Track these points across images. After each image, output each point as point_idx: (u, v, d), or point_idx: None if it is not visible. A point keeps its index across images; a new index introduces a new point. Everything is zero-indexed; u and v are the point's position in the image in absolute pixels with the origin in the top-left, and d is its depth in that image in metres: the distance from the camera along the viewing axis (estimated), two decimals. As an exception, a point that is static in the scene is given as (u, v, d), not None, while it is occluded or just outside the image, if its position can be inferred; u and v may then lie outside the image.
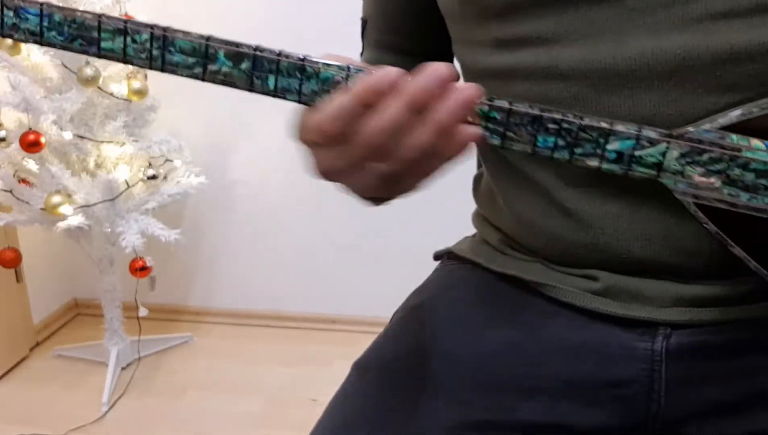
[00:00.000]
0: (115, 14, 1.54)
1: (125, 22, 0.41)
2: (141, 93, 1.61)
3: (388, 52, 0.66)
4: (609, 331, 0.54)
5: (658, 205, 0.50)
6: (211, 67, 0.41)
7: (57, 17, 0.41)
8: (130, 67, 1.60)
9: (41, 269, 2.01)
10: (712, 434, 0.54)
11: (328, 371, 1.84)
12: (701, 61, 0.45)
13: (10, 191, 1.57)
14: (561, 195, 0.54)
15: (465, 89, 0.39)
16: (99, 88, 1.55)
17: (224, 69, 0.41)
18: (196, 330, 2.06)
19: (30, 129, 1.50)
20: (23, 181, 1.60)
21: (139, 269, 1.66)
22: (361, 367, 0.61)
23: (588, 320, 0.55)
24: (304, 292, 2.07)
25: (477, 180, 0.70)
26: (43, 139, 1.51)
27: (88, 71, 1.49)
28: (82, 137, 1.58)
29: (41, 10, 0.41)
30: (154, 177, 1.66)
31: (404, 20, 0.65)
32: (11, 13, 0.41)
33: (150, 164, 1.68)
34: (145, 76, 1.66)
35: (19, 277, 1.89)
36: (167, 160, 1.72)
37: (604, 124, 0.41)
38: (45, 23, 0.41)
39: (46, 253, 2.03)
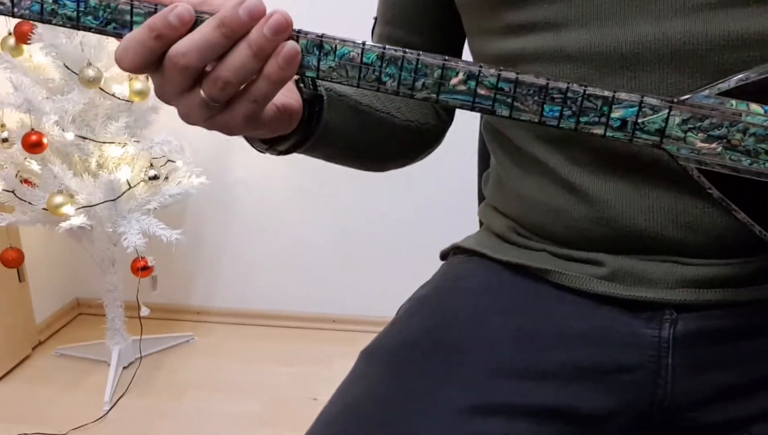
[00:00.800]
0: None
1: (155, 5, 0.42)
2: (142, 94, 1.62)
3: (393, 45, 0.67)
4: (616, 317, 0.55)
5: (662, 179, 0.51)
6: None
7: (92, 2, 0.42)
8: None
9: (43, 269, 2.02)
10: (719, 418, 0.54)
11: (328, 371, 1.85)
12: (700, 46, 0.48)
13: (13, 191, 1.58)
14: (566, 172, 0.55)
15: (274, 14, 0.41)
16: (101, 89, 1.56)
17: None
18: (198, 329, 2.07)
19: (32, 130, 1.51)
20: (26, 181, 1.61)
21: (141, 269, 1.66)
22: (368, 354, 0.61)
23: (595, 306, 0.56)
24: (305, 291, 2.08)
25: (486, 176, 0.72)
26: (45, 140, 1.52)
27: (90, 72, 1.50)
28: (84, 138, 1.59)
29: None
30: (155, 177, 1.67)
31: (412, 14, 0.67)
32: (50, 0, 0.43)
33: (151, 165, 1.68)
34: (147, 77, 1.67)
35: (21, 277, 1.90)
36: (168, 160, 1.73)
37: (607, 93, 0.43)
38: (81, 8, 0.43)
39: (49, 253, 2.04)
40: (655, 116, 0.43)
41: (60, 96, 1.55)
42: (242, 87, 0.43)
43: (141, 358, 1.88)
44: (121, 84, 1.62)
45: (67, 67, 1.53)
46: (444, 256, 0.73)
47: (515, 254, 0.62)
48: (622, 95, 0.43)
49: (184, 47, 0.41)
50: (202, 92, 0.42)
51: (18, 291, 1.90)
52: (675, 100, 0.44)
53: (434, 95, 0.43)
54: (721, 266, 0.53)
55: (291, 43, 0.42)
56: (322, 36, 0.42)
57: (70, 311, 2.16)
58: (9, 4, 0.43)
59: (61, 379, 1.82)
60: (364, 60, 0.43)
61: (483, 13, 0.58)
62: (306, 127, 0.53)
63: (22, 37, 1.50)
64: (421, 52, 0.43)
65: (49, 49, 1.50)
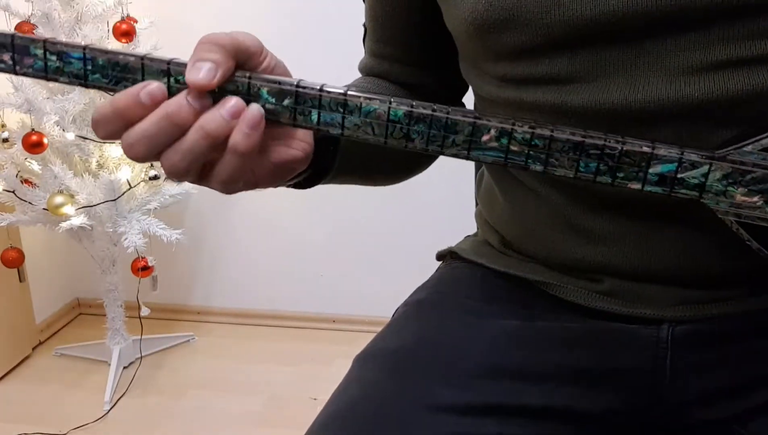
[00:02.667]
0: (117, 16, 1.56)
1: (168, 63, 0.41)
2: (143, 94, 1.62)
3: (384, 60, 0.66)
4: (613, 322, 0.55)
5: (670, 224, 0.50)
6: (254, 104, 0.41)
7: (100, 61, 0.41)
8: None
9: (44, 269, 2.02)
10: (715, 416, 0.55)
11: (328, 370, 1.85)
12: (720, 103, 0.46)
13: (13, 191, 1.58)
14: (569, 211, 0.54)
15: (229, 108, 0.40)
16: (101, 89, 1.56)
17: (267, 106, 0.41)
18: (198, 329, 2.07)
19: (33, 130, 1.51)
20: (26, 181, 1.61)
21: (141, 269, 1.66)
22: (362, 359, 0.61)
23: (593, 314, 0.56)
24: (305, 291, 2.08)
25: (480, 177, 0.71)
26: (45, 140, 1.52)
27: (91, 72, 1.50)
28: (84, 138, 1.59)
29: (84, 54, 0.41)
30: (155, 177, 1.67)
31: (399, 32, 0.64)
32: (54, 57, 0.42)
33: (152, 165, 1.68)
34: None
35: (21, 277, 1.90)
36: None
37: (645, 149, 0.41)
38: (89, 67, 0.41)
39: (49, 253, 2.04)
40: (695, 171, 0.42)
41: (60, 96, 1.55)
42: (207, 162, 0.41)
43: (141, 358, 1.88)
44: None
45: (67, 67, 1.53)
46: (441, 257, 0.73)
47: (512, 265, 0.61)
48: (661, 151, 0.41)
49: (132, 138, 0.40)
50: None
51: (18, 291, 1.90)
52: (715, 155, 0.42)
53: (465, 152, 0.42)
54: (724, 290, 0.53)
55: (254, 106, 0.40)
56: (346, 93, 0.41)
57: (71, 311, 2.17)
58: (11, 62, 0.42)
59: (62, 379, 1.82)
60: (391, 117, 0.41)
61: (477, 61, 0.56)
62: (320, 163, 0.51)
63: (22, 37, 1.50)
64: (450, 109, 0.41)
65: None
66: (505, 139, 0.41)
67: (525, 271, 0.60)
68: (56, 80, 0.42)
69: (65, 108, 1.53)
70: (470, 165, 0.87)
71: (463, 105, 0.71)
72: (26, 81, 1.50)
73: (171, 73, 0.41)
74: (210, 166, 0.41)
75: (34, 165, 1.61)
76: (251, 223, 2.04)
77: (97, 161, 1.63)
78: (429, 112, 0.41)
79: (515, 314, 0.59)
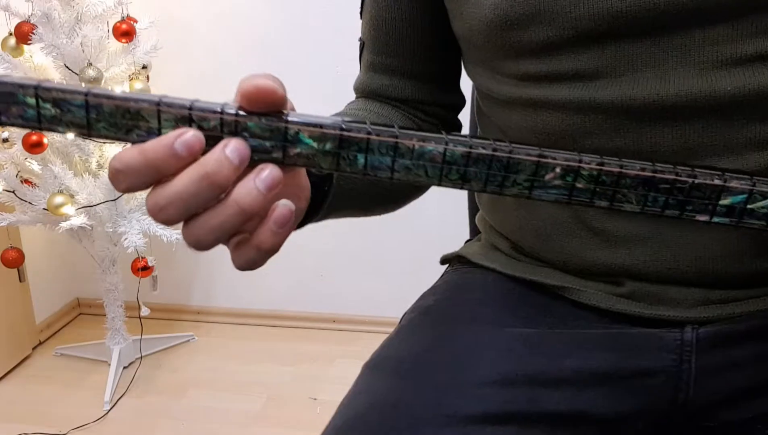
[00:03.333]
0: (117, 16, 1.56)
1: (189, 109, 0.35)
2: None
3: (383, 74, 0.64)
4: (635, 325, 0.54)
5: (692, 225, 0.50)
6: (292, 150, 0.37)
7: (106, 108, 0.35)
8: (133, 67, 1.61)
9: (44, 269, 2.02)
10: (737, 417, 0.54)
11: (328, 370, 1.85)
12: (751, 97, 0.45)
13: (13, 191, 1.58)
14: (588, 215, 0.53)
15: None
16: (101, 89, 1.56)
17: (306, 151, 0.37)
18: (198, 329, 2.07)
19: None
20: (26, 181, 1.61)
21: (141, 269, 1.66)
22: (372, 366, 0.59)
23: (613, 317, 0.55)
24: (305, 291, 2.08)
25: None
26: (45, 140, 1.52)
27: (91, 72, 1.50)
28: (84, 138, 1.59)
29: (86, 101, 0.35)
30: (155, 177, 1.67)
31: (404, 42, 0.62)
32: (49, 105, 0.35)
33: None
34: (147, 78, 1.67)
35: (21, 277, 1.90)
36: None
37: (717, 181, 0.39)
38: (93, 114, 0.35)
39: (49, 253, 2.04)
40: (765, 202, 0.40)
41: (60, 96, 1.55)
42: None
43: (141, 357, 1.88)
44: (122, 84, 1.62)
45: (67, 67, 1.53)
46: (445, 261, 0.72)
47: (526, 270, 0.60)
48: (733, 183, 0.39)
49: (164, 200, 0.34)
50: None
51: (18, 291, 1.90)
52: None
53: (526, 191, 0.38)
54: (746, 289, 0.52)
55: (284, 202, 0.36)
56: (397, 135, 0.37)
57: (71, 311, 2.17)
58: None
59: (62, 379, 1.82)
60: (447, 159, 0.37)
61: (495, 58, 0.54)
62: (312, 205, 0.48)
63: (22, 37, 1.50)
64: (513, 147, 0.37)
65: (49, 50, 1.50)
66: (570, 177, 0.38)
67: (540, 275, 0.58)
68: (53, 130, 0.36)
69: (65, 108, 1.53)
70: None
71: (458, 122, 0.69)
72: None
73: (193, 120, 0.35)
74: (231, 246, 0.38)
75: (34, 165, 1.61)
76: (251, 223, 2.04)
77: (97, 161, 1.63)
78: (489, 152, 0.37)
79: (531, 320, 0.57)
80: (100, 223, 1.62)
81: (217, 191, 0.34)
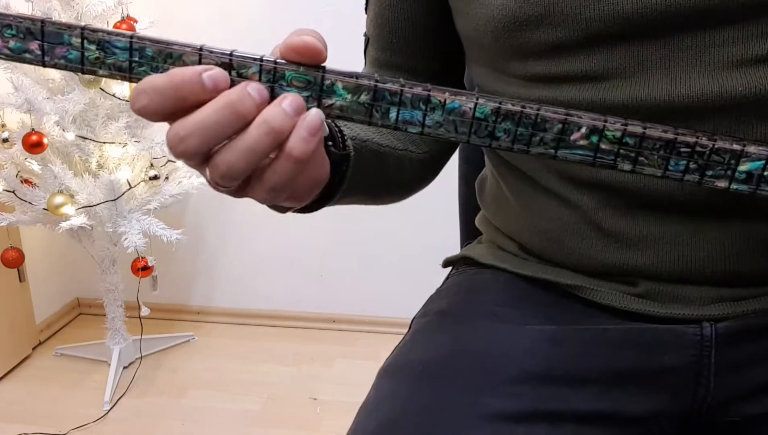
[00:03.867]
0: (117, 16, 1.56)
1: (230, 55, 0.36)
2: (143, 94, 1.62)
3: (388, 71, 0.64)
4: (653, 323, 0.54)
5: (705, 225, 0.50)
6: (327, 101, 0.38)
7: (150, 51, 0.36)
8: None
9: (44, 269, 2.02)
10: (757, 411, 0.54)
11: (328, 370, 1.85)
12: (761, 97, 0.45)
13: (13, 191, 1.58)
14: (599, 215, 0.53)
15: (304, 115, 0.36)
16: (101, 89, 1.56)
17: (340, 102, 0.38)
18: (198, 329, 2.07)
19: (33, 130, 1.51)
20: (26, 181, 1.61)
21: (141, 269, 1.66)
22: (390, 372, 0.58)
23: (628, 317, 0.55)
24: (305, 291, 2.08)
25: (481, 183, 0.69)
26: (45, 140, 1.52)
27: (91, 72, 1.50)
28: (84, 138, 1.59)
29: (131, 44, 0.36)
30: (155, 177, 1.67)
31: (407, 39, 0.62)
32: (93, 47, 0.36)
33: (152, 165, 1.69)
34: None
35: (21, 277, 1.90)
36: (169, 160, 1.73)
37: (736, 146, 0.40)
38: (135, 58, 0.36)
39: (49, 253, 2.04)
40: None
41: (60, 96, 1.55)
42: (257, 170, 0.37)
43: (141, 357, 1.88)
44: (122, 84, 1.62)
45: (67, 67, 1.53)
46: (449, 263, 0.71)
47: (538, 270, 0.59)
48: (751, 148, 0.40)
49: (185, 128, 0.35)
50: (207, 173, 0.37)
51: (18, 291, 1.90)
52: None
53: (552, 151, 0.39)
54: (760, 287, 0.52)
55: (314, 111, 0.36)
56: (430, 89, 0.38)
57: (71, 311, 2.17)
58: (39, 52, 0.36)
59: (62, 379, 1.82)
60: (477, 114, 0.38)
61: (502, 59, 0.53)
62: (329, 187, 0.48)
63: (22, 37, 1.50)
64: (541, 106, 0.38)
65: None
66: (595, 137, 0.39)
67: (552, 274, 0.58)
68: (94, 73, 0.37)
69: (65, 108, 1.53)
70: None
71: None
72: (26, 81, 1.50)
73: (233, 66, 0.36)
74: (258, 173, 0.38)
75: (34, 165, 1.61)
76: (251, 223, 2.04)
77: (97, 161, 1.63)
78: (518, 108, 0.38)
79: (549, 318, 0.57)
80: (100, 223, 1.62)
81: (240, 121, 0.35)
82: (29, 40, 0.36)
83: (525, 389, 0.52)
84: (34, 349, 1.96)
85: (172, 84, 0.35)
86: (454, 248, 0.78)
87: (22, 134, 1.51)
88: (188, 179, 1.72)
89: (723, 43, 0.45)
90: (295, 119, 0.36)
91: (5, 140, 1.58)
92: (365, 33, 0.66)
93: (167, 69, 0.36)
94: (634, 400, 0.54)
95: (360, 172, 0.51)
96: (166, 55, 0.36)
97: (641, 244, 0.52)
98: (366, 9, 0.65)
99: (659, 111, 0.47)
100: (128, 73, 0.37)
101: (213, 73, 0.35)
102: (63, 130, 1.55)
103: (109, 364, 1.79)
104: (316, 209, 0.50)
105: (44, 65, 0.36)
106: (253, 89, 0.35)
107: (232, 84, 0.36)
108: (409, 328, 0.64)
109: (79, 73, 0.38)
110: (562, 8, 0.47)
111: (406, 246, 1.96)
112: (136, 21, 1.59)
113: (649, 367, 0.54)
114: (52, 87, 1.59)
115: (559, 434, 0.51)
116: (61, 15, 1.52)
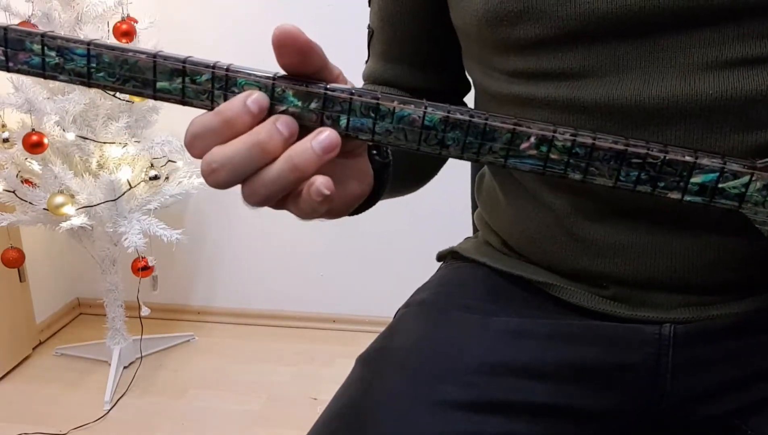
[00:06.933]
0: (117, 16, 1.56)
1: (183, 61, 0.38)
2: (143, 94, 1.62)
3: (395, 64, 0.65)
4: (616, 321, 0.55)
5: (674, 234, 0.50)
6: (279, 107, 0.39)
7: (106, 58, 0.37)
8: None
9: (44, 269, 2.02)
10: (716, 411, 0.55)
11: (328, 370, 1.85)
12: (733, 102, 0.45)
13: (14, 191, 1.58)
14: (570, 221, 0.54)
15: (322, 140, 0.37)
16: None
17: (292, 109, 0.39)
18: (198, 329, 2.07)
19: (33, 130, 1.51)
20: (26, 181, 1.61)
21: (141, 269, 1.66)
22: (365, 359, 0.60)
23: (596, 317, 0.56)
24: (305, 291, 2.08)
25: (480, 178, 0.70)
26: (46, 140, 1.52)
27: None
28: (84, 138, 1.59)
29: (88, 51, 0.38)
30: (156, 177, 1.67)
31: (412, 32, 0.63)
32: (53, 53, 0.38)
33: (152, 165, 1.69)
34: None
35: (22, 277, 1.90)
36: (169, 160, 1.73)
37: (688, 158, 0.40)
38: (93, 64, 0.38)
39: (49, 253, 2.05)
40: (735, 181, 0.41)
41: (61, 96, 1.56)
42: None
43: (141, 357, 1.88)
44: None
45: (67, 67, 1.53)
46: (441, 257, 0.73)
47: (515, 266, 0.61)
48: (704, 161, 0.40)
49: (217, 161, 0.37)
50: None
51: (19, 291, 1.90)
52: (757, 165, 0.41)
53: (502, 160, 0.40)
54: (727, 294, 0.53)
55: (330, 133, 0.37)
56: (378, 97, 0.39)
57: (71, 311, 2.17)
58: (3, 58, 0.38)
59: (62, 379, 1.82)
60: (426, 123, 0.39)
61: (487, 52, 0.54)
62: (369, 196, 0.49)
63: (22, 37, 1.50)
64: (489, 115, 0.39)
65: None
66: (544, 147, 0.39)
67: (527, 271, 0.60)
68: (54, 78, 0.38)
69: (66, 108, 1.53)
70: (469, 165, 0.87)
71: (465, 105, 0.70)
72: (27, 81, 1.50)
73: (187, 73, 0.38)
74: (292, 198, 0.39)
75: (35, 165, 1.61)
76: (251, 223, 2.04)
77: (98, 161, 1.63)
78: (466, 118, 0.39)
79: (518, 312, 0.59)
80: (100, 223, 1.62)
81: (267, 158, 0.37)
82: None
83: (482, 379, 0.54)
84: (34, 349, 1.97)
85: (223, 119, 0.37)
86: (455, 248, 0.78)
87: (22, 134, 1.51)
88: (188, 179, 1.72)
89: (699, 45, 0.45)
90: (324, 157, 0.37)
91: (6, 140, 1.59)
92: (369, 25, 0.67)
93: (124, 75, 0.38)
94: (592, 395, 0.55)
95: (395, 175, 0.52)
96: (122, 61, 0.38)
97: (610, 251, 0.53)
98: (369, 2, 0.66)
99: (632, 112, 0.47)
100: (87, 79, 0.38)
101: (256, 98, 0.37)
102: (63, 130, 1.55)
103: (110, 364, 1.79)
104: (353, 214, 0.50)
105: (8, 71, 0.38)
106: (282, 124, 0.37)
107: (185, 90, 0.38)
108: (393, 318, 0.66)
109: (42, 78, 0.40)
110: (540, 5, 0.48)
111: (407, 246, 1.96)
112: (136, 21, 1.59)
113: (606, 364, 0.55)
114: (53, 87, 1.59)
115: (513, 426, 0.52)
116: (61, 15, 1.52)
